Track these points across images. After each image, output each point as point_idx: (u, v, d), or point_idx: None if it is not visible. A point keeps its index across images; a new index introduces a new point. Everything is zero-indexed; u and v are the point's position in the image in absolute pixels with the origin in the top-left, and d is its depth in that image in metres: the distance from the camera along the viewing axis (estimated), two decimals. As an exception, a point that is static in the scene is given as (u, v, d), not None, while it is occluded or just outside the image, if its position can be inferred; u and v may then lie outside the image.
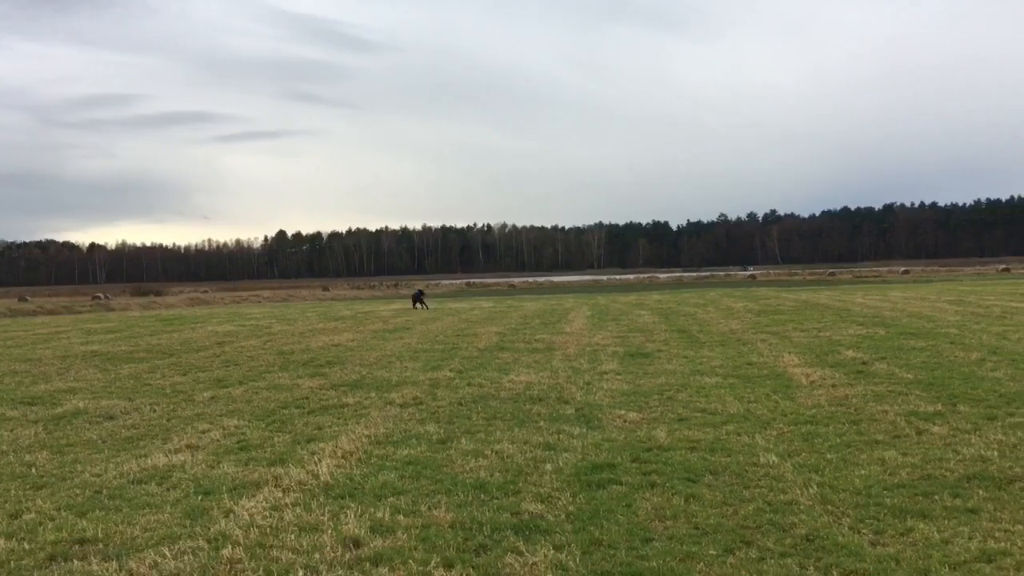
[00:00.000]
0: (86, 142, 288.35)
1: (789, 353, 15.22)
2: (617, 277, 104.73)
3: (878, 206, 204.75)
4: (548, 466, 7.68)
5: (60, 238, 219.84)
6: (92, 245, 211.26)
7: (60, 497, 7.09)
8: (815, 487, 6.77)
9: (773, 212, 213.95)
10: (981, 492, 6.48)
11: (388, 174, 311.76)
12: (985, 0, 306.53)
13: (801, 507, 6.31)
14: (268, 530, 6.04)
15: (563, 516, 6.27)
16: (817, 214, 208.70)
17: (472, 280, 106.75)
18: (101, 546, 5.82)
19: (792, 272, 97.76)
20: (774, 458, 7.73)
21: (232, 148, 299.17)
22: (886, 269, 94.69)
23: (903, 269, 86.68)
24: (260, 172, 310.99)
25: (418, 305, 35.56)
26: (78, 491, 7.27)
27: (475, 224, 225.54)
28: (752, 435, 8.73)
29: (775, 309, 27.69)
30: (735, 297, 38.34)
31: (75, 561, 5.53)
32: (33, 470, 8.10)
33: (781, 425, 9.18)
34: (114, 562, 5.47)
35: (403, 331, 23.17)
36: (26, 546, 5.84)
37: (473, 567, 5.27)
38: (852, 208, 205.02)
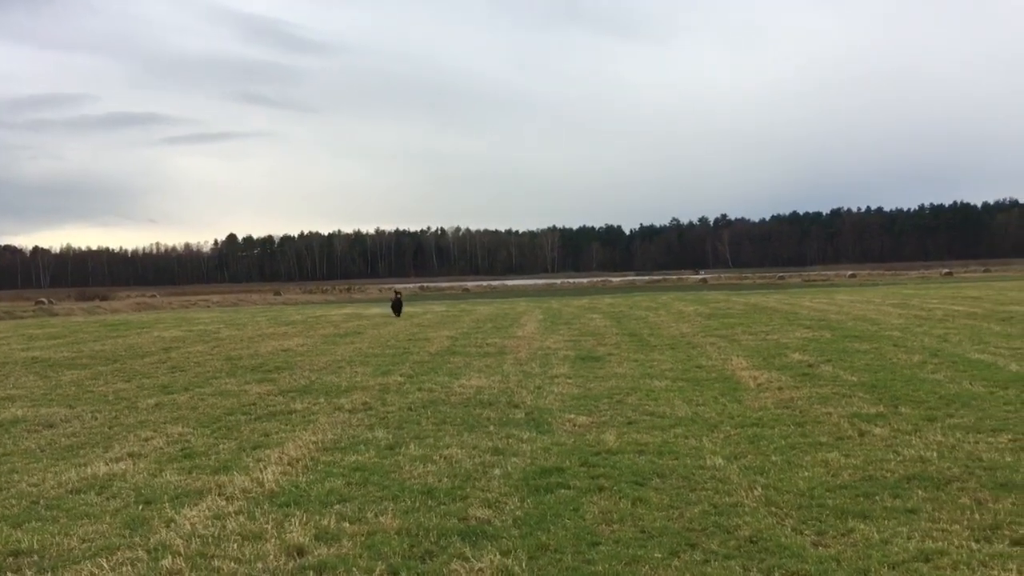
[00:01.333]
0: (30, 143, 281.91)
1: (737, 356, 15.40)
2: (571, 281, 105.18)
3: (826, 211, 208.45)
4: (496, 471, 7.66)
5: (1, 241, 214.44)
6: (35, 248, 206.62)
7: (-5, 508, 6.89)
8: (760, 489, 6.84)
9: (724, 216, 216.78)
10: (920, 493, 6.60)
11: (340, 177, 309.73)
12: (928, 10, 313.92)
13: (746, 509, 6.37)
14: (210, 539, 5.93)
15: (510, 521, 6.25)
16: (767, 218, 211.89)
17: (426, 284, 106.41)
18: (36, 558, 5.66)
19: (743, 276, 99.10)
20: (720, 461, 7.80)
21: (180, 150, 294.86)
22: (833, 273, 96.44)
23: (850, 273, 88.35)
24: (209, 175, 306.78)
25: (396, 309, 32.96)
26: (14, 502, 7.08)
27: (429, 227, 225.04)
28: (700, 438, 8.80)
29: (725, 313, 28.02)
30: (686, 301, 38.72)
31: (9, 574, 5.38)
32: (-33, 481, 7.87)
33: (728, 428, 9.27)
34: (49, 574, 5.33)
35: (354, 336, 23.00)
36: (-43, 561, 5.66)
37: (418, 574, 5.23)
38: (801, 213, 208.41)
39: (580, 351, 17.29)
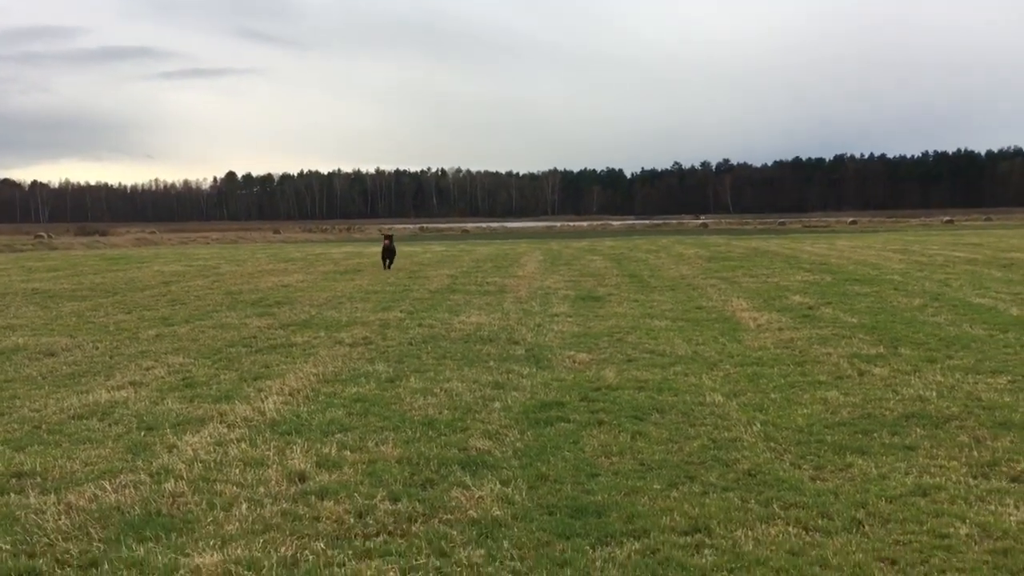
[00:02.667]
0: (21, 76, 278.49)
1: (738, 298, 15.40)
2: (571, 223, 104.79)
3: (829, 157, 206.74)
4: (497, 404, 7.69)
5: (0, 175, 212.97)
6: (34, 183, 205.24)
7: (-3, 432, 6.93)
8: (759, 425, 6.87)
9: (726, 161, 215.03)
10: (919, 430, 6.64)
11: (339, 116, 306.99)
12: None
13: (744, 444, 6.40)
14: (212, 465, 5.98)
15: (510, 452, 6.29)
16: (769, 164, 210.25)
17: (426, 224, 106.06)
18: (39, 480, 5.71)
19: (744, 221, 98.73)
20: (720, 397, 7.83)
21: (176, 85, 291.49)
22: (835, 219, 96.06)
23: (851, 219, 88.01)
24: (206, 111, 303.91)
25: (387, 260, 23.87)
26: (16, 426, 7.12)
27: (429, 168, 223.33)
28: (699, 376, 8.83)
29: (725, 256, 27.97)
30: (686, 244, 38.64)
31: (12, 495, 5.42)
32: (-31, 406, 7.90)
33: (728, 366, 9.29)
34: (52, 495, 5.37)
35: (354, 273, 22.97)
36: (-40, 480, 5.70)
37: (419, 500, 5.27)
38: (803, 159, 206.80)
39: (580, 291, 17.28)
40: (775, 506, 5.14)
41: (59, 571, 4.30)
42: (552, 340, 11.15)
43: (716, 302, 14.98)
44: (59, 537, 4.70)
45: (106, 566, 4.34)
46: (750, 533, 4.74)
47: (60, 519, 4.95)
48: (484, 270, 23.38)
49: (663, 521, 4.93)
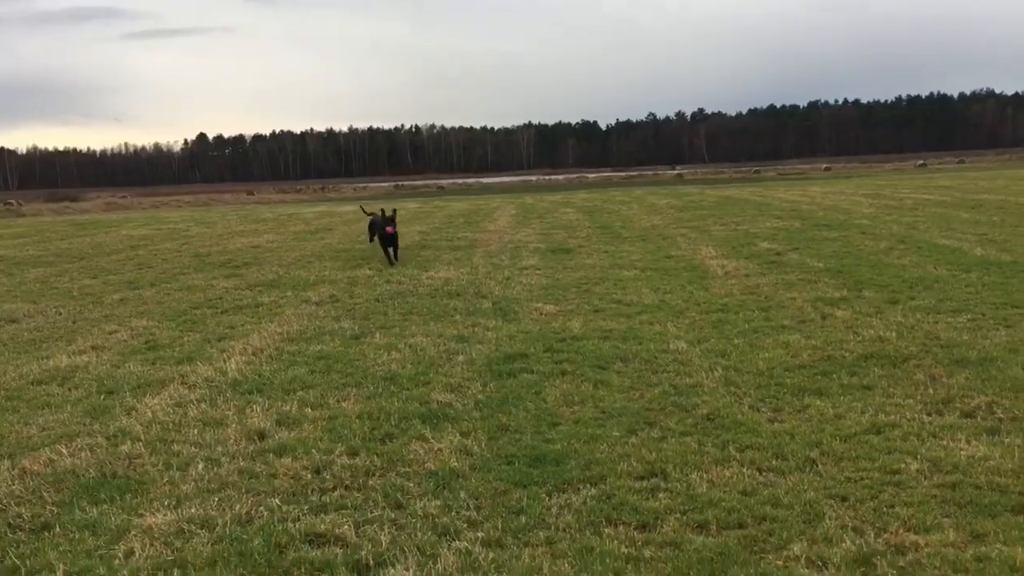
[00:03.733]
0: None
1: (707, 246, 15.43)
2: (547, 177, 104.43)
3: (803, 104, 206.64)
4: (460, 357, 7.68)
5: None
6: (1, 149, 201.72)
7: (-47, 400, 6.85)
8: (720, 370, 6.91)
9: (701, 111, 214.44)
10: (877, 370, 6.69)
11: (311, 74, 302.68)
12: None
13: (705, 389, 6.43)
14: (170, 426, 5.94)
15: (472, 404, 6.29)
16: (744, 112, 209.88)
17: (401, 182, 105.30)
18: (-6, 446, 5.66)
19: (719, 170, 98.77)
20: (683, 344, 7.86)
21: (144, 46, 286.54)
22: (809, 166, 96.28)
23: (825, 166, 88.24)
24: (175, 72, 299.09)
25: (390, 249, 15.00)
26: (-27, 394, 7.04)
27: (403, 125, 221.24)
28: (664, 324, 8.85)
29: (697, 205, 28.00)
30: (660, 194, 38.64)
31: (-35, 462, 5.37)
32: (-74, 374, 7.80)
33: (693, 314, 9.32)
34: (6, 461, 5.32)
35: (325, 232, 22.82)
36: (-86, 449, 5.64)
37: (377, 454, 5.26)
38: (778, 106, 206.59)
39: (551, 244, 17.25)
40: (731, 448, 5.18)
41: (10, 535, 4.27)
42: (520, 293, 11.13)
43: (685, 251, 15.00)
44: (11, 502, 4.67)
45: (58, 529, 4.32)
46: (704, 476, 4.77)
47: (13, 484, 4.91)
48: (456, 225, 23.29)
49: (620, 467, 4.95)
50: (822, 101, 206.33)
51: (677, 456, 5.08)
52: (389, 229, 14.52)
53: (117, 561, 3.93)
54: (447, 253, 16.19)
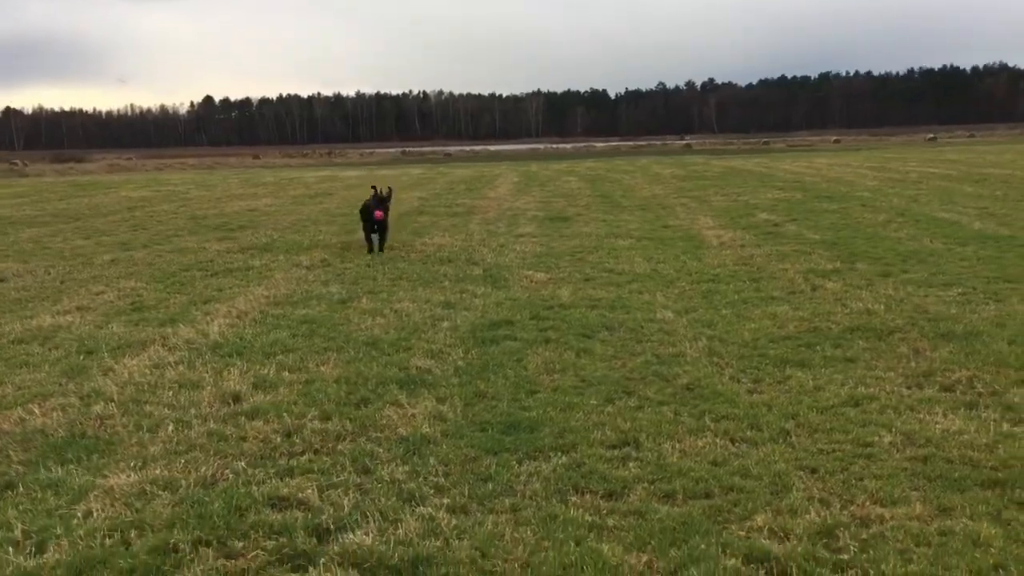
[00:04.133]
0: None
1: (705, 216, 15.32)
2: (555, 146, 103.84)
3: (814, 75, 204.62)
4: (445, 324, 7.63)
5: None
6: (7, 109, 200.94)
7: (-68, 358, 6.83)
8: (704, 340, 6.85)
9: (711, 81, 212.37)
10: (861, 343, 6.63)
11: (319, 37, 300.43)
12: None
13: (687, 359, 6.38)
14: (146, 387, 5.91)
15: (451, 371, 6.24)
16: (754, 83, 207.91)
17: (408, 148, 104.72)
18: (-33, 404, 5.63)
19: (728, 141, 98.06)
20: (670, 314, 7.79)
21: (150, 7, 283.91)
22: (818, 138, 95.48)
23: (835, 138, 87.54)
24: (181, 33, 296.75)
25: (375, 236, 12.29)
26: (-47, 352, 7.02)
27: (411, 91, 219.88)
28: (654, 293, 8.78)
29: (701, 175, 27.82)
30: (665, 164, 38.40)
31: (-64, 420, 5.35)
32: (-92, 332, 7.78)
33: (684, 284, 9.25)
34: (-23, 420, 5.30)
35: (324, 196, 22.73)
36: None
37: (350, 419, 5.23)
38: (789, 77, 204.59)
39: (549, 212, 17.15)
40: (707, 419, 5.13)
41: (-28, 494, 4.25)
42: (512, 260, 11.06)
43: (683, 221, 14.90)
44: (-23, 460, 4.64)
45: (21, 488, 4.29)
46: (677, 445, 4.73)
47: (-19, 443, 4.89)
48: (456, 192, 23.18)
49: (593, 435, 4.91)
50: (834, 73, 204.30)
51: (652, 425, 5.03)
52: (379, 214, 11.87)
53: (75, 521, 3.91)
54: (444, 219, 16.11)
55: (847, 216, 14.61)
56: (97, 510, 4.00)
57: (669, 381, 5.89)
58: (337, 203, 20.30)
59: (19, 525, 3.85)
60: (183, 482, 4.31)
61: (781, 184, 22.44)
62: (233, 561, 3.55)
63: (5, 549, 3.65)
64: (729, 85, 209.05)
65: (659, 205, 17.97)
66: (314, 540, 3.74)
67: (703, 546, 3.61)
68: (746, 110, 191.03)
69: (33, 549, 3.67)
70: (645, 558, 3.55)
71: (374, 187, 12.22)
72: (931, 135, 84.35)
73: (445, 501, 4.12)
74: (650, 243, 12.36)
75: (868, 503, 3.95)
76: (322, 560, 3.56)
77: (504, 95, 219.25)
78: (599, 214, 16.51)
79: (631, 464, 4.51)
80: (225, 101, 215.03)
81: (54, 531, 3.81)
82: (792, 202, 17.49)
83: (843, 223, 13.70)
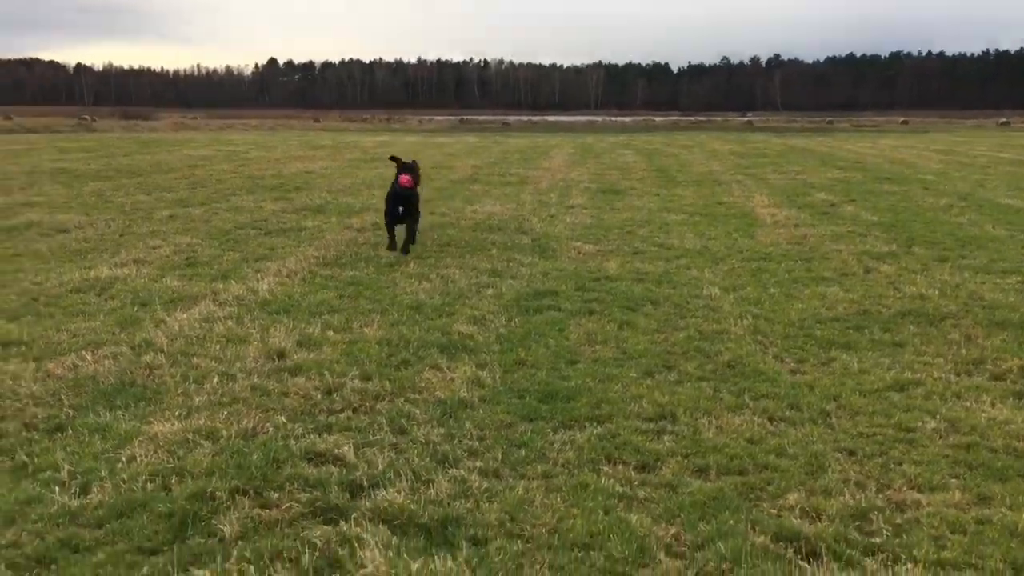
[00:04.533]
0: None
1: (761, 194, 15.08)
2: (613, 119, 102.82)
3: (884, 54, 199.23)
4: (490, 291, 7.66)
5: (45, 56, 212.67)
6: (79, 66, 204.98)
7: (-6, 303, 7.06)
8: (750, 319, 6.77)
9: (777, 57, 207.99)
10: (912, 327, 6.50)
11: (381, 2, 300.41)
12: None
13: (731, 337, 6.32)
14: (194, 340, 6.04)
15: (493, 338, 6.27)
16: (821, 60, 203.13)
17: (466, 117, 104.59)
18: (24, 349, 5.81)
19: (791, 119, 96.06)
20: (717, 291, 7.72)
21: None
22: (885, 119, 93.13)
23: (902, 119, 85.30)
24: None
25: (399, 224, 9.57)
26: (14, 298, 7.24)
27: (471, 59, 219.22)
28: (702, 269, 8.70)
29: (760, 153, 27.35)
30: (724, 140, 37.81)
31: (-5, 362, 5.54)
32: (-27, 278, 8.05)
33: (734, 261, 9.15)
34: (33, 363, 5.48)
35: (380, 161, 22.81)
36: (-51, 347, 5.83)
37: (390, 380, 5.29)
38: (858, 55, 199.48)
39: (603, 184, 17.03)
40: (746, 397, 5.09)
41: (25, 434, 4.40)
42: (562, 231, 11.03)
43: (738, 198, 14.69)
44: (30, 402, 4.80)
45: (70, 431, 4.44)
46: (714, 422, 4.70)
47: (35, 385, 5.05)
48: (510, 161, 23.12)
49: (630, 408, 4.90)
50: (904, 52, 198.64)
51: (690, 400, 5.01)
52: (405, 179, 9.15)
53: (119, 465, 4.03)
54: (497, 188, 16.10)
55: (907, 199, 14.27)
56: (140, 455, 4.12)
57: (710, 357, 5.85)
58: (390, 168, 20.39)
59: (66, 466, 3.99)
60: (224, 433, 4.41)
61: (842, 164, 21.97)
62: (268, 511, 3.64)
63: (51, 489, 3.78)
64: (795, 62, 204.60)
65: (714, 181, 17.73)
66: (347, 495, 3.81)
67: (732, 522, 3.60)
68: (811, 88, 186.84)
69: (78, 490, 3.79)
70: (673, 530, 3.55)
71: (395, 158, 9.68)
72: (1004, 119, 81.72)
73: (478, 464, 4.16)
74: (702, 219, 12.22)
75: (905, 488, 3.89)
76: (354, 515, 3.62)
77: (564, 65, 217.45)
78: (653, 188, 16.36)
79: (666, 438, 4.50)
80: (288, 64, 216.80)
81: (99, 473, 3.94)
82: (851, 182, 17.12)
83: (903, 205, 13.38)
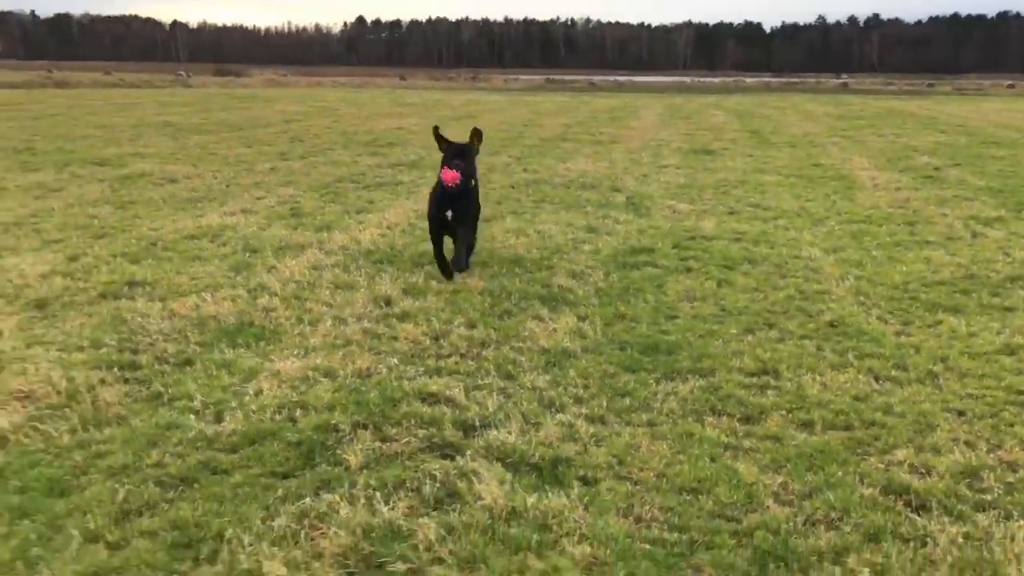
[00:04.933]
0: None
1: (860, 156, 14.73)
2: (702, 79, 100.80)
3: (991, 14, 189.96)
4: (587, 247, 7.74)
5: (143, 14, 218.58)
6: (174, 23, 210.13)
7: (117, 246, 7.44)
8: (852, 280, 6.71)
9: (876, 16, 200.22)
10: (1022, 292, 6.35)
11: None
12: None
13: (833, 297, 6.28)
14: (305, 285, 6.29)
15: (592, 292, 6.36)
16: (923, 20, 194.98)
17: (552, 76, 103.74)
18: (149, 289, 6.15)
19: (888, 81, 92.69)
20: (817, 252, 7.64)
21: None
22: (990, 83, 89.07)
23: (1009, 83, 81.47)
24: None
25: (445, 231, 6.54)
26: (134, 242, 7.62)
27: (558, 17, 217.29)
28: (801, 231, 8.61)
29: (857, 115, 26.58)
30: (819, 102, 36.80)
31: (123, 300, 5.87)
32: (96, 222, 8.47)
33: (833, 223, 9.01)
34: (158, 303, 5.79)
35: (469, 119, 22.95)
36: (80, 284, 6.20)
37: (494, 328, 5.43)
38: (962, 15, 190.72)
39: (694, 144, 16.84)
40: (850, 356, 5.07)
41: (157, 367, 4.68)
42: (655, 190, 11.00)
43: (835, 160, 14.37)
44: (160, 338, 5.10)
45: (198, 365, 4.71)
46: (818, 378, 4.71)
47: (163, 323, 5.36)
48: (600, 121, 23.00)
49: (732, 363, 4.94)
50: (1013, 12, 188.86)
51: (792, 358, 5.02)
52: (451, 176, 6.27)
53: (247, 398, 4.27)
54: (587, 147, 16.08)
55: (1017, 163, 13.75)
56: (266, 389, 4.35)
57: (812, 317, 5.83)
58: (480, 125, 20.50)
59: (198, 396, 4.24)
60: (341, 372, 4.62)
61: (944, 127, 21.22)
62: (388, 444, 3.82)
63: (187, 416, 4.04)
64: (895, 21, 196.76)
65: (810, 143, 17.35)
66: (461, 434, 3.97)
67: (840, 474, 3.64)
68: (911, 49, 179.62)
69: (212, 418, 4.05)
70: (780, 479, 3.61)
71: (440, 136, 6.53)
72: (1120, 84, 77.27)
73: (584, 411, 4.27)
74: (799, 181, 12.02)
75: (1017, 449, 3.87)
76: (468, 452, 3.78)
77: (653, 24, 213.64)
78: (746, 149, 16.11)
79: (769, 392, 4.54)
80: (376, 22, 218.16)
81: (229, 404, 4.19)
82: (956, 146, 16.56)
83: (1011, 170, 12.91)
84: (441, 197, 6.38)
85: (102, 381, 4.43)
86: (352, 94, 41.14)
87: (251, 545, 3.02)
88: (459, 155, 6.38)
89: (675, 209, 9.66)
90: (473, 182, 6.50)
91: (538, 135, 18.30)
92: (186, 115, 22.34)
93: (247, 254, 7.26)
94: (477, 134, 6.66)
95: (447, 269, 6.43)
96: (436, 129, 6.61)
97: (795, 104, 34.50)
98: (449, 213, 6.37)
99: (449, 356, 4.97)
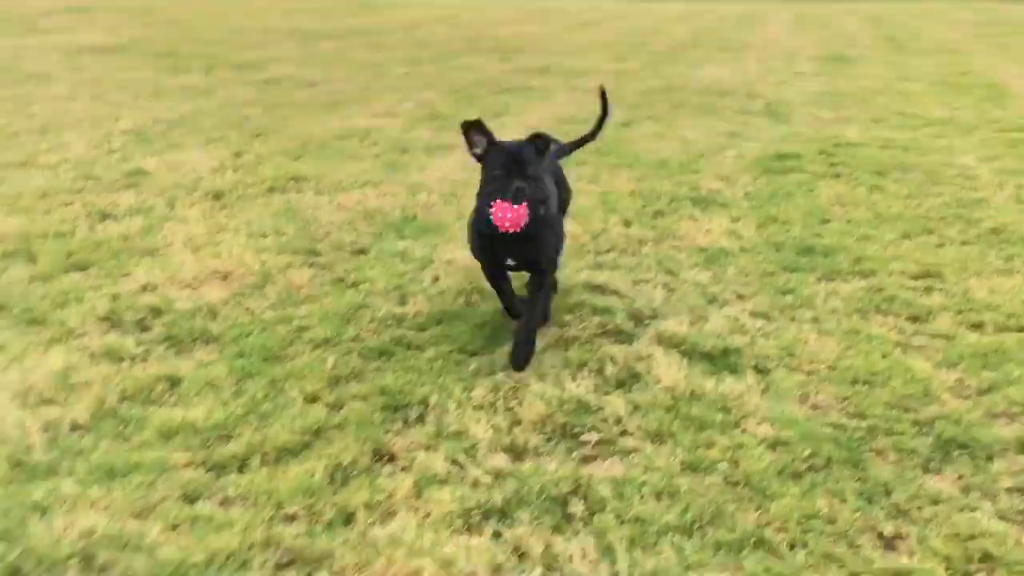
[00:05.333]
0: None
1: (1009, 63, 13.94)
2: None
3: None
4: (730, 152, 7.69)
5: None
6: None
7: (274, 144, 7.78)
8: (1011, 188, 6.50)
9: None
10: None
11: None
12: None
13: (992, 205, 6.12)
14: (459, 183, 6.49)
15: (741, 195, 6.36)
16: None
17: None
18: (314, 183, 6.45)
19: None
20: (971, 161, 7.40)
21: None
22: None
23: None
24: None
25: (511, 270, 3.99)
26: (289, 140, 7.94)
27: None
28: (951, 139, 8.32)
29: (1005, 20, 24.93)
30: (958, 8, 34.59)
31: (292, 193, 6.20)
32: (249, 121, 8.85)
33: (986, 132, 8.66)
34: (325, 196, 6.09)
35: (592, 26, 22.59)
36: (249, 179, 6.55)
37: (650, 227, 5.53)
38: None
39: (828, 52, 16.19)
40: (1017, 261, 4.98)
41: (335, 253, 4.98)
42: (793, 97, 10.73)
43: (983, 67, 13.65)
44: (333, 227, 5.40)
45: (373, 253, 4.98)
46: (985, 283, 4.66)
47: (333, 214, 5.65)
48: (727, 28, 22.26)
49: (892, 266, 4.92)
50: None
51: (955, 262, 4.97)
52: (508, 218, 3.55)
53: (425, 284, 4.52)
54: (717, 54, 15.67)
55: None
56: (442, 276, 4.59)
57: (972, 223, 5.71)
58: (605, 32, 20.18)
59: (380, 281, 4.52)
60: (508, 264, 4.81)
61: (1103, 35, 19.78)
62: (566, 329, 4.02)
63: (374, 298, 4.31)
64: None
65: (953, 50, 16.46)
66: (632, 323, 4.12)
67: (1017, 373, 3.65)
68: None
69: (396, 300, 4.31)
70: (955, 375, 3.65)
71: (470, 126, 4.22)
72: None
73: (748, 307, 4.36)
74: (944, 88, 11.50)
75: None
76: (642, 338, 3.94)
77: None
78: (885, 56, 15.42)
79: (935, 294, 4.53)
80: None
81: (407, 289, 4.45)
82: (1119, 54, 15.47)
83: None
84: (493, 240, 3.75)
85: (289, 265, 4.75)
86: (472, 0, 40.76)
87: (457, 409, 3.27)
88: (520, 169, 3.73)
89: (816, 116, 9.44)
90: (543, 209, 3.68)
91: (665, 42, 17.90)
92: (311, 21, 22.62)
93: (397, 153, 7.51)
94: (542, 143, 3.95)
95: (515, 311, 3.97)
96: (473, 124, 4.12)
97: (936, 11, 32.53)
98: (510, 260, 3.87)
99: (608, 252, 5.11)
